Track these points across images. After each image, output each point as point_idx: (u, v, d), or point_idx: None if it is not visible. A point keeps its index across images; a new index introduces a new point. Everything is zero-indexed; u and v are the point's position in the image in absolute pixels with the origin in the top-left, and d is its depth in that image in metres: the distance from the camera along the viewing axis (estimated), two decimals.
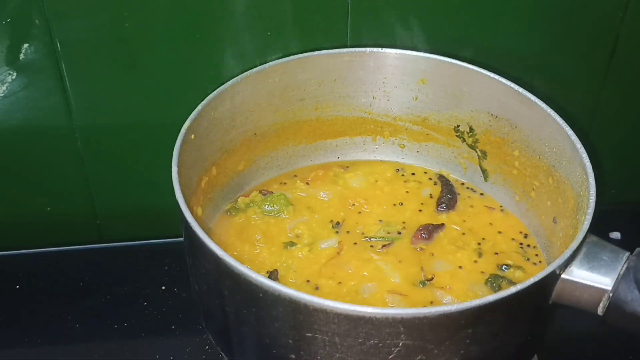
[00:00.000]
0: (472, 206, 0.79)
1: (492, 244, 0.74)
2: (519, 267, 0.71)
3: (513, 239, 0.75)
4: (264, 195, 0.77)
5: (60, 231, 0.87)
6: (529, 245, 0.74)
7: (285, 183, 0.80)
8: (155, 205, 0.85)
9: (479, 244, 0.73)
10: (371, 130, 0.83)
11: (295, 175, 0.81)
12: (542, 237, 0.74)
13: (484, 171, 0.80)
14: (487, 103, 0.76)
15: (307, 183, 0.80)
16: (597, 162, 0.66)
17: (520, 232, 0.76)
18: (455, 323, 0.54)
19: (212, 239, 0.58)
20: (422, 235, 0.73)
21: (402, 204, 0.78)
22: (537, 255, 0.73)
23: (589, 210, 0.61)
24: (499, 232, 0.76)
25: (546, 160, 0.72)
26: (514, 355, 0.63)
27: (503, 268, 0.71)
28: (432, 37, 0.80)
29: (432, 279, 0.69)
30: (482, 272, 0.70)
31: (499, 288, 0.68)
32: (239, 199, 0.77)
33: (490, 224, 0.77)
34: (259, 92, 0.75)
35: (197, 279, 0.65)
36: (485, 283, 0.69)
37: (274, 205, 0.76)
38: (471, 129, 0.79)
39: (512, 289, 0.55)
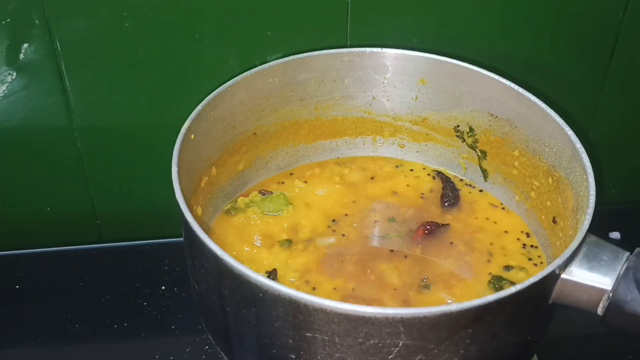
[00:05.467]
0: (474, 202, 0.79)
1: (499, 244, 0.74)
2: (522, 269, 0.71)
3: (518, 239, 0.75)
4: (264, 195, 0.77)
5: (60, 231, 0.87)
6: (532, 246, 0.74)
7: (283, 182, 0.80)
8: (155, 205, 0.85)
9: (490, 245, 0.73)
10: (371, 130, 0.83)
11: (291, 174, 0.81)
12: (542, 237, 0.74)
13: (483, 171, 0.80)
14: (487, 103, 0.76)
15: (305, 181, 0.80)
16: (597, 162, 0.66)
17: (522, 232, 0.76)
18: (455, 323, 0.54)
19: (212, 239, 0.58)
20: (425, 232, 0.73)
21: (402, 200, 0.78)
22: (539, 256, 0.73)
23: (589, 210, 0.61)
24: (505, 232, 0.75)
25: (546, 160, 0.72)
26: (514, 355, 0.63)
27: (507, 269, 0.71)
28: (432, 37, 0.80)
29: (433, 278, 0.69)
30: (485, 273, 0.70)
31: (501, 290, 0.68)
32: (238, 199, 0.77)
33: (495, 222, 0.77)
34: (259, 92, 0.75)
35: (197, 279, 0.65)
36: (488, 284, 0.69)
37: (274, 205, 0.76)
38: (471, 129, 0.79)
39: (512, 289, 0.55)
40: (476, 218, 0.77)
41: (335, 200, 0.78)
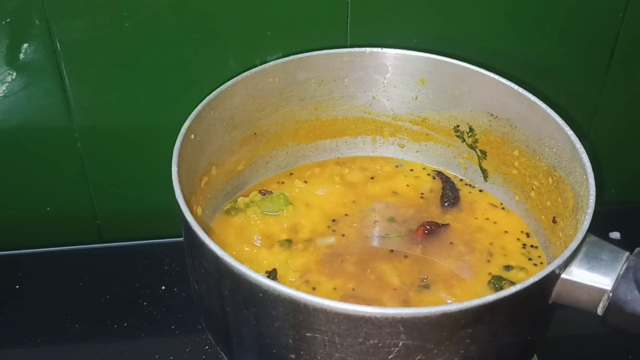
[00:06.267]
0: (474, 202, 0.79)
1: (499, 244, 0.74)
2: (522, 269, 0.71)
3: (518, 239, 0.75)
4: (263, 195, 0.77)
5: (60, 231, 0.87)
6: (532, 246, 0.74)
7: (283, 182, 0.80)
8: (155, 205, 0.85)
9: (490, 245, 0.73)
10: (371, 130, 0.83)
11: (291, 174, 0.81)
12: (542, 237, 0.74)
13: (483, 171, 0.80)
14: (487, 103, 0.76)
15: (305, 181, 0.80)
16: (597, 162, 0.66)
17: (522, 232, 0.76)
18: (455, 323, 0.54)
19: (212, 239, 0.58)
20: (425, 232, 0.73)
21: (402, 200, 0.78)
22: (539, 256, 0.73)
23: (589, 210, 0.61)
24: (505, 232, 0.75)
25: (546, 160, 0.72)
26: (514, 355, 0.63)
27: (507, 269, 0.71)
28: (432, 37, 0.80)
29: (433, 278, 0.69)
30: (485, 274, 0.70)
31: (501, 290, 0.68)
32: (238, 199, 0.77)
33: (495, 222, 0.76)
34: (259, 92, 0.75)
35: (197, 279, 0.65)
36: (488, 284, 0.69)
37: (274, 205, 0.76)
38: (471, 129, 0.79)
39: (512, 289, 0.55)
40: (476, 218, 0.77)
41: (335, 200, 0.78)
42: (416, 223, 0.75)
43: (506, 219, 0.77)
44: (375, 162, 0.83)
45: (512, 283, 0.69)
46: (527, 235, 0.75)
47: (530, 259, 0.72)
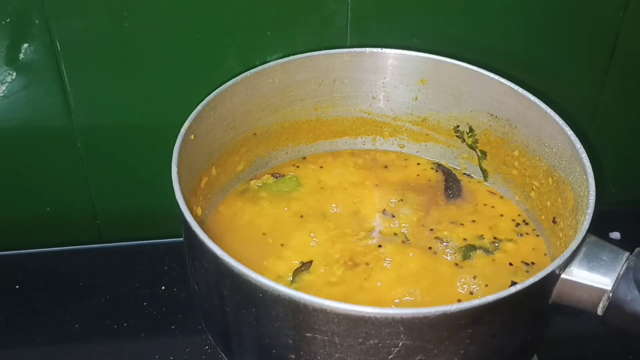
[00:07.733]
0: (474, 190, 0.80)
1: (491, 223, 0.75)
2: (510, 240, 0.72)
3: (513, 220, 0.76)
4: (276, 178, 0.77)
5: (60, 231, 0.87)
6: (526, 224, 0.75)
7: (298, 166, 0.81)
8: (155, 205, 0.85)
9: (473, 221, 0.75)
10: (371, 131, 0.83)
11: (304, 158, 0.82)
12: (542, 237, 0.74)
13: (483, 171, 0.80)
14: (487, 103, 0.76)
15: (321, 167, 0.80)
16: (597, 162, 0.66)
17: (519, 215, 0.77)
18: (455, 323, 0.54)
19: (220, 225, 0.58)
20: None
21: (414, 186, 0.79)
22: (533, 229, 0.74)
23: (589, 210, 0.61)
24: (501, 215, 0.76)
25: (546, 160, 0.72)
26: (514, 355, 0.63)
27: (494, 239, 0.72)
28: (432, 37, 0.80)
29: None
30: (464, 239, 0.72)
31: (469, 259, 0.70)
32: (251, 182, 0.77)
33: (493, 206, 0.77)
34: (259, 92, 0.75)
35: (197, 279, 0.65)
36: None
37: (286, 188, 0.76)
38: (471, 129, 0.79)
39: (512, 289, 0.55)
40: (476, 204, 0.78)
41: (352, 180, 0.79)
42: (425, 209, 0.76)
43: (504, 205, 0.78)
44: (385, 155, 0.84)
45: (487, 250, 0.70)
46: (524, 221, 0.76)
47: (520, 234, 0.73)
